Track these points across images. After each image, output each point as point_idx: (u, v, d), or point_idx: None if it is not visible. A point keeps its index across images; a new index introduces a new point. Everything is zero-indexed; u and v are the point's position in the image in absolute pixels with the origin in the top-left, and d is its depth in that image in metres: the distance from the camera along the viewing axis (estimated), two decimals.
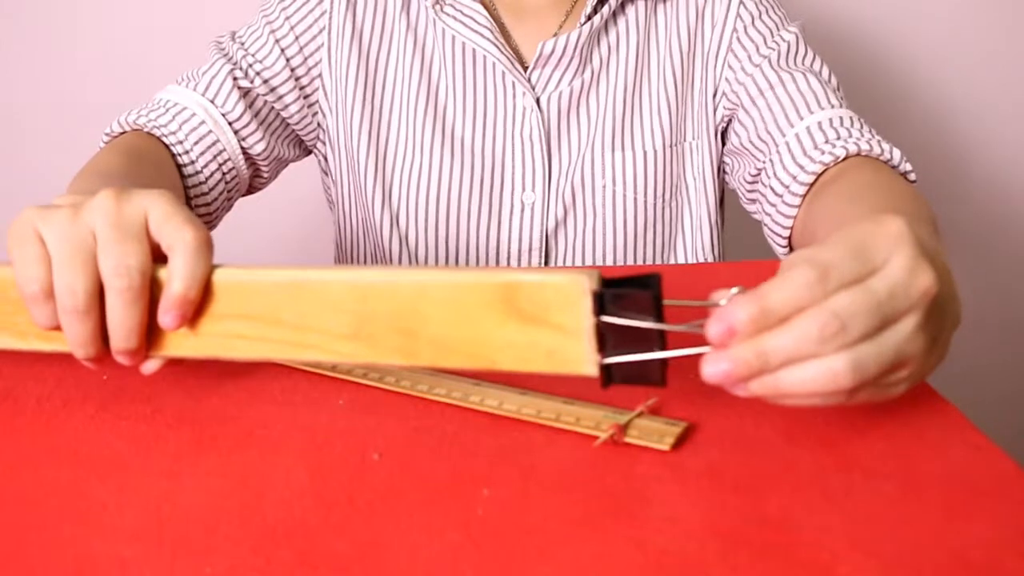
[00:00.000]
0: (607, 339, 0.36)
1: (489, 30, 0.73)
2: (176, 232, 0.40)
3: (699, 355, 0.35)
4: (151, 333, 0.41)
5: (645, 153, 0.75)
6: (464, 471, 0.35)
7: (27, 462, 0.37)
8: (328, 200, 0.85)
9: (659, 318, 0.36)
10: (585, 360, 0.37)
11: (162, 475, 0.36)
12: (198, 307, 0.41)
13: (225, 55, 0.75)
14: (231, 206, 0.77)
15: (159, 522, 0.32)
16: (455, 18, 0.73)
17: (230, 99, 0.72)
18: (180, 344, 0.41)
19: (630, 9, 0.76)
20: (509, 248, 0.75)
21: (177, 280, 0.39)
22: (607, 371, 0.37)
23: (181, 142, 0.70)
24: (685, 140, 0.77)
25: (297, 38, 0.75)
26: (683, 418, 0.39)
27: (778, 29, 0.75)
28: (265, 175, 0.79)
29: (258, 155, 0.75)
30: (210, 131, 0.71)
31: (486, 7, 0.74)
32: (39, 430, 0.40)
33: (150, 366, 0.43)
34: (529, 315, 0.37)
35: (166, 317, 0.40)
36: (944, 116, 1.19)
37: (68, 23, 1.14)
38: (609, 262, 0.77)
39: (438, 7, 0.73)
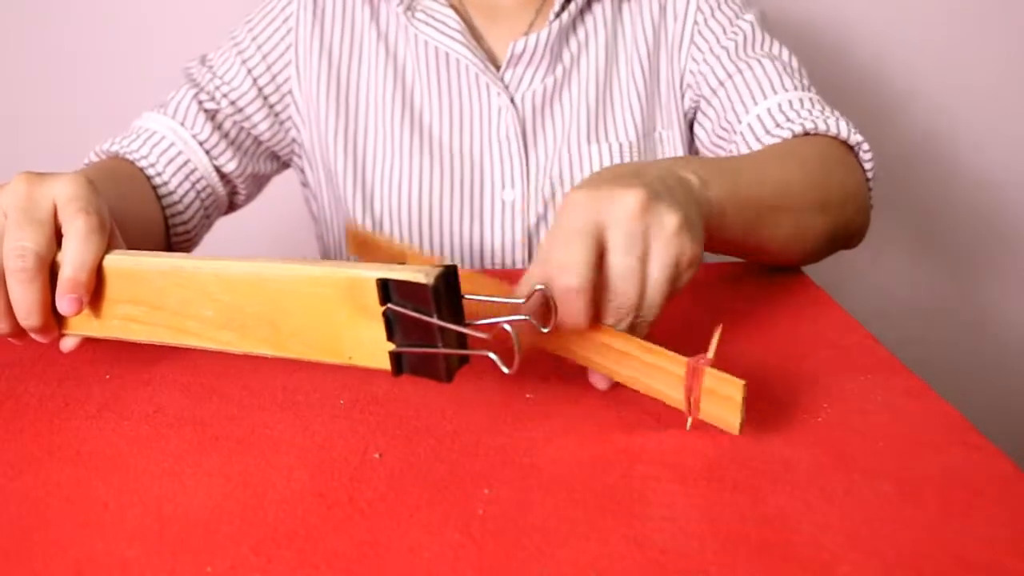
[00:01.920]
0: (395, 327, 0.36)
1: (460, 33, 0.74)
2: (69, 219, 0.43)
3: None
4: (59, 313, 0.43)
5: (620, 145, 0.76)
6: (464, 471, 0.35)
7: (29, 461, 0.37)
8: (310, 212, 0.86)
9: (444, 311, 0.35)
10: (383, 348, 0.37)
11: (164, 475, 0.36)
12: (96, 290, 0.43)
13: (191, 80, 0.76)
14: (211, 224, 0.78)
15: (160, 522, 0.32)
16: (427, 23, 0.74)
17: (197, 121, 0.74)
18: (85, 325, 0.44)
19: (596, 7, 0.77)
20: (492, 246, 0.76)
21: (67, 265, 0.42)
22: (397, 360, 0.37)
23: (153, 165, 0.71)
24: (655, 130, 0.78)
25: (264, 57, 0.76)
26: (684, 419, 0.39)
27: (736, 18, 0.76)
28: (243, 192, 0.80)
29: (231, 173, 0.76)
30: (180, 152, 0.73)
31: (456, 10, 0.75)
32: (41, 430, 0.40)
33: (67, 343, 0.45)
34: (373, 311, 0.36)
35: (62, 302, 0.42)
36: (939, 117, 1.19)
37: (68, 30, 1.14)
38: None
39: (409, 13, 0.74)
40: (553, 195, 0.75)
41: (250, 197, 0.82)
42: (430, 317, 0.35)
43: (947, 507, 0.32)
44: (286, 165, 0.83)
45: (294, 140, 0.79)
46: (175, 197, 0.72)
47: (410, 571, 0.29)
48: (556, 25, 0.74)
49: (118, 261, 0.43)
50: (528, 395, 0.42)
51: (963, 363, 1.26)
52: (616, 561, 0.29)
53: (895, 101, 1.19)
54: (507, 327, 0.37)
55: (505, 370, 0.36)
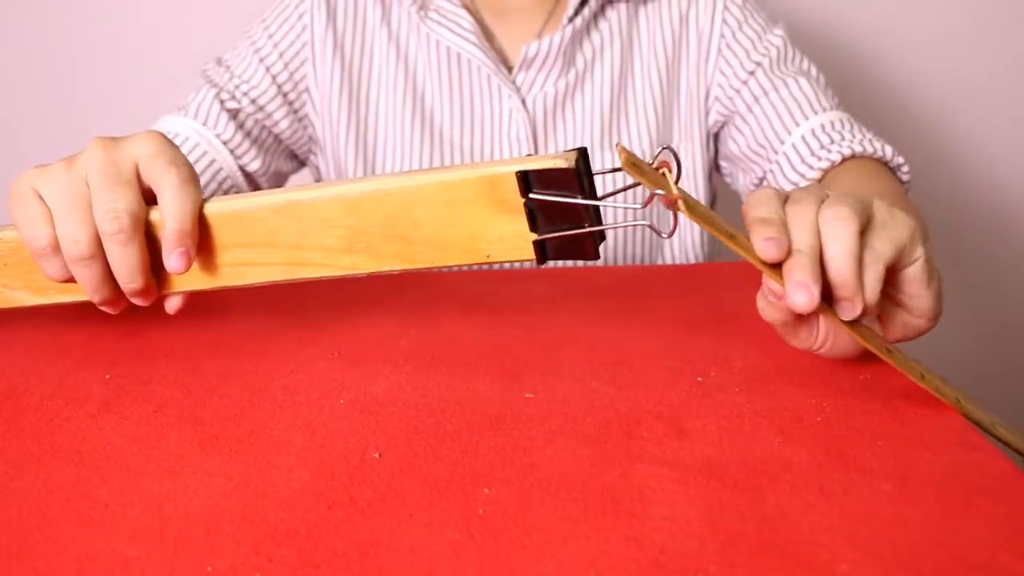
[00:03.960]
0: (537, 216, 0.37)
1: (473, 34, 0.74)
2: (160, 174, 0.42)
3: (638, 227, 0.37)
4: (160, 273, 0.43)
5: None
6: (464, 471, 0.35)
7: (29, 461, 0.37)
8: None
9: (585, 193, 0.36)
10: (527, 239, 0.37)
11: (164, 474, 0.36)
12: (200, 242, 0.42)
13: (210, 81, 0.76)
14: None
15: (161, 521, 0.32)
16: (440, 23, 0.74)
17: (220, 121, 0.74)
18: (190, 280, 0.43)
19: (611, 12, 0.77)
20: None
21: (170, 219, 0.41)
22: (541, 247, 0.37)
23: None
24: (671, 142, 0.78)
25: (281, 55, 0.76)
26: (684, 419, 0.39)
27: (764, 33, 0.76)
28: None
29: (255, 172, 0.76)
30: (205, 152, 0.73)
31: (468, 10, 0.75)
32: (41, 429, 0.40)
33: (173, 304, 0.45)
34: (513, 205, 0.37)
35: (170, 259, 0.41)
36: (943, 119, 1.19)
37: (68, 30, 1.14)
38: (599, 261, 0.78)
39: (422, 13, 0.74)
40: None
41: None
42: (574, 199, 0.36)
43: (946, 506, 0.32)
44: (302, 164, 0.84)
45: (311, 138, 0.80)
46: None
47: (410, 571, 0.29)
48: (569, 29, 0.74)
49: (222, 206, 0.42)
50: (528, 395, 0.42)
51: (962, 364, 1.26)
52: (616, 561, 0.29)
53: (894, 101, 1.19)
54: (661, 192, 0.37)
55: (664, 236, 0.36)
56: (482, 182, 0.37)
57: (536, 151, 0.75)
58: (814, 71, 0.76)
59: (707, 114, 0.78)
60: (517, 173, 0.36)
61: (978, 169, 1.21)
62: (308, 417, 0.41)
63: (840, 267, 0.37)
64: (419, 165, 0.75)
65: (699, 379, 0.44)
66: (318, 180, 0.84)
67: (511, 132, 0.75)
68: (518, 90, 0.75)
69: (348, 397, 0.43)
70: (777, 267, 0.37)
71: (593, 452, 0.37)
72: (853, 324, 0.38)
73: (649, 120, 0.76)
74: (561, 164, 0.36)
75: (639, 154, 0.76)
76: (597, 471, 0.35)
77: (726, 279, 0.61)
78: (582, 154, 0.37)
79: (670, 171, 0.37)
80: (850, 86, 1.15)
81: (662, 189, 0.36)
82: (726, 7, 0.76)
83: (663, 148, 0.39)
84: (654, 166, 0.37)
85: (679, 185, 0.36)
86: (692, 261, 0.80)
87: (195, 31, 1.13)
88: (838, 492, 0.33)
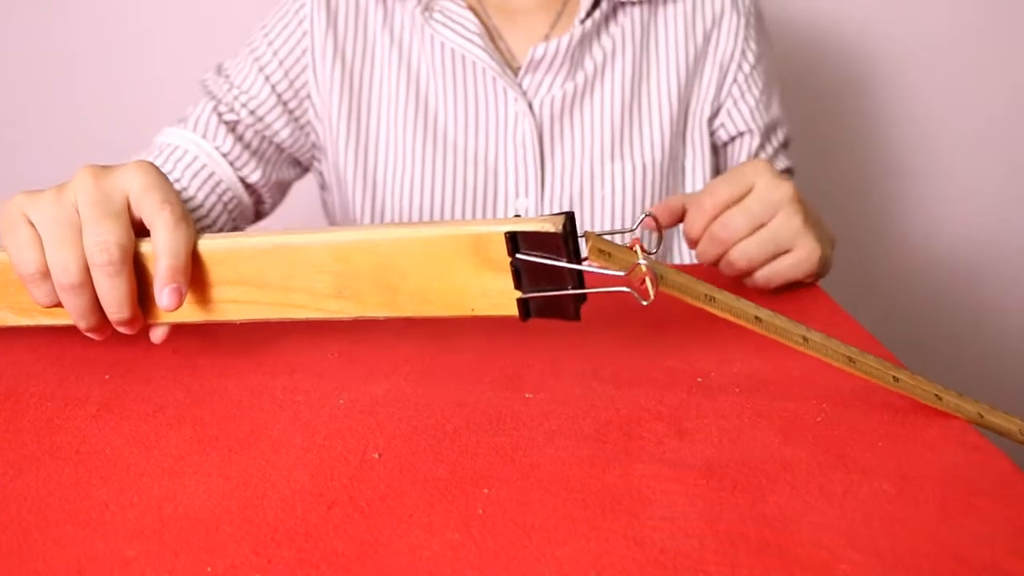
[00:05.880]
0: (522, 276, 0.38)
1: (479, 36, 0.73)
2: (155, 211, 0.42)
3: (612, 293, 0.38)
4: (147, 303, 0.43)
5: (644, 165, 0.75)
6: (464, 471, 0.35)
7: (29, 461, 0.37)
8: (326, 215, 0.86)
9: (570, 256, 0.37)
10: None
11: (164, 475, 0.36)
12: (191, 277, 0.43)
13: (208, 93, 0.76)
14: None
15: (160, 521, 0.32)
16: (445, 25, 0.73)
17: (219, 133, 0.74)
18: (177, 312, 0.43)
19: (623, 17, 0.75)
20: None
21: (163, 256, 0.41)
22: (524, 305, 0.39)
23: (178, 180, 0.71)
24: (682, 158, 0.78)
25: (281, 62, 0.75)
26: (684, 419, 0.39)
27: (770, 97, 0.81)
28: (268, 201, 0.79)
29: (256, 183, 0.76)
30: (204, 165, 0.73)
31: (475, 11, 0.74)
32: (41, 429, 0.40)
33: (158, 334, 0.46)
34: (499, 264, 0.38)
35: (163, 296, 0.41)
36: (942, 120, 1.19)
37: (69, 30, 1.14)
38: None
39: (427, 14, 0.73)
40: (571, 208, 0.75)
41: (275, 205, 0.81)
42: (559, 262, 0.37)
43: (946, 506, 0.32)
44: (306, 170, 0.83)
45: (314, 144, 0.79)
46: (203, 211, 0.71)
47: (410, 571, 0.29)
48: (579, 31, 0.72)
49: (214, 244, 0.42)
50: (528, 395, 0.42)
51: (962, 366, 1.27)
52: (616, 561, 0.29)
53: (894, 102, 1.19)
54: (641, 263, 0.38)
55: (644, 302, 0.37)
56: (469, 240, 0.38)
57: (542, 157, 0.74)
58: (784, 163, 0.81)
59: (711, 133, 0.78)
60: (506, 234, 0.37)
61: (980, 168, 1.21)
62: (308, 417, 0.41)
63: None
64: (420, 170, 0.75)
65: (699, 379, 0.44)
66: (322, 185, 0.83)
67: (516, 136, 0.74)
68: (524, 93, 0.74)
69: (348, 397, 0.43)
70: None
71: (593, 452, 0.37)
72: (852, 365, 0.40)
73: (664, 132, 0.76)
74: (549, 228, 0.37)
75: (651, 167, 0.75)
76: (597, 471, 0.35)
77: (726, 279, 0.61)
78: (569, 218, 0.38)
79: (643, 249, 0.38)
80: (850, 88, 1.15)
81: (634, 268, 0.38)
82: (746, 39, 0.78)
83: (645, 215, 0.41)
84: (632, 232, 0.40)
85: (652, 256, 0.38)
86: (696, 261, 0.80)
87: (196, 31, 1.13)
88: (838, 492, 0.33)
